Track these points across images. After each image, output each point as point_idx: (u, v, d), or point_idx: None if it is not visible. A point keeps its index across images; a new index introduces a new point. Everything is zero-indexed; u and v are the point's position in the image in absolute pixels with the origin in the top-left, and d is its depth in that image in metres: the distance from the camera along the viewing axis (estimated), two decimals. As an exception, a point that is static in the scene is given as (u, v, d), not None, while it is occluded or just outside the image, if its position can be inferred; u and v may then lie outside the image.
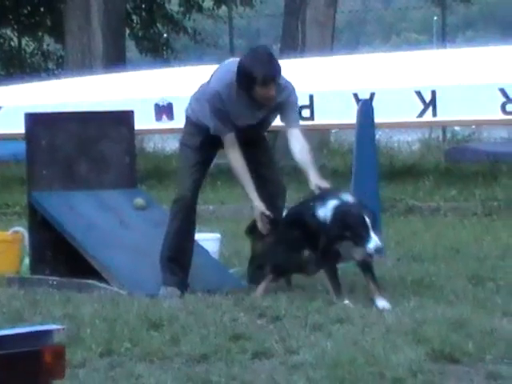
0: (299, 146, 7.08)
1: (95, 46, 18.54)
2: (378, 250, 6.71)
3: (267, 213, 6.98)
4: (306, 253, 6.91)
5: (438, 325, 5.90)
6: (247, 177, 7.09)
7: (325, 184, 6.97)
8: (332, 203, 6.80)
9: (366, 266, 6.83)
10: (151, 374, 5.17)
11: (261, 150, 7.36)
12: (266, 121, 7.30)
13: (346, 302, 6.65)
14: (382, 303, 6.61)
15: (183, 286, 7.13)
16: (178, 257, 7.22)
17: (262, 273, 7.19)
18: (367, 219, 6.67)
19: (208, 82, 7.27)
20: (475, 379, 5.01)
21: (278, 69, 7.02)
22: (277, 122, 7.42)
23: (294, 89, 7.18)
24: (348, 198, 6.88)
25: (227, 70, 7.17)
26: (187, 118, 7.39)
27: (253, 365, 5.34)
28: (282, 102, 7.09)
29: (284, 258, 7.02)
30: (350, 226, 6.70)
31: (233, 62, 7.24)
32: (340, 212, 6.75)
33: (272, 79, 6.95)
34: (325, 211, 6.80)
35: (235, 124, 7.10)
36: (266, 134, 7.62)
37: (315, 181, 6.95)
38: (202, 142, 7.23)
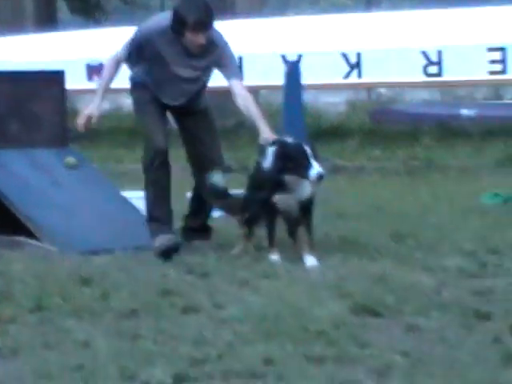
0: (244, 100, 7.00)
1: (26, 6, 18.32)
2: (321, 177, 6.64)
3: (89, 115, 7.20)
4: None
5: (360, 280, 5.96)
6: (103, 82, 7.23)
7: (273, 137, 6.88)
8: (272, 148, 6.73)
9: (305, 215, 6.76)
10: (81, 329, 5.15)
11: (201, 117, 7.27)
12: (203, 73, 7.16)
13: (274, 257, 6.67)
14: (310, 261, 6.63)
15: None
16: (165, 210, 7.13)
17: (195, 230, 7.22)
18: (307, 149, 6.63)
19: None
20: (395, 331, 5.06)
21: (210, 16, 6.95)
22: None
23: (227, 43, 7.07)
24: (287, 138, 6.83)
25: (164, 17, 7.11)
26: (133, 77, 7.28)
27: (181, 320, 5.34)
28: (217, 56, 7.01)
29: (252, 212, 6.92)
30: (291, 157, 6.62)
31: (165, 13, 7.21)
32: (280, 147, 6.69)
33: (203, 25, 6.88)
34: (268, 157, 6.73)
35: (172, 71, 7.01)
36: (206, 105, 7.41)
37: (265, 134, 6.88)
38: (152, 95, 7.16)
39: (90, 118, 7.24)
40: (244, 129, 12.48)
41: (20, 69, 9.62)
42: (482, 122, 13.84)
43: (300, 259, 6.64)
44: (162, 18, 7.15)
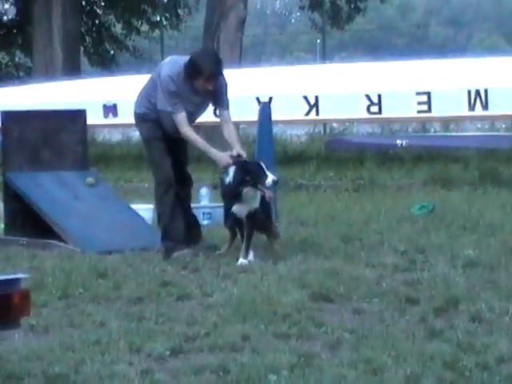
0: (228, 128, 6.90)
1: (56, 60, 18.31)
2: (275, 183, 6.62)
3: (234, 153, 6.74)
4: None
5: (317, 273, 5.95)
6: (204, 143, 6.85)
7: (243, 154, 6.78)
8: (232, 167, 6.65)
9: (249, 224, 6.60)
10: (98, 312, 5.14)
11: (183, 144, 7.10)
12: (201, 107, 6.99)
13: (243, 260, 6.50)
14: (242, 260, 6.47)
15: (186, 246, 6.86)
16: (178, 227, 6.90)
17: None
18: (261, 163, 6.60)
19: (150, 79, 6.96)
20: (345, 314, 5.06)
21: (221, 69, 6.82)
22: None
23: (226, 82, 6.92)
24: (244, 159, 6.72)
25: (174, 63, 6.88)
26: (144, 114, 6.94)
27: (177, 305, 5.33)
28: (216, 94, 6.87)
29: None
30: (249, 171, 6.56)
31: (175, 58, 6.97)
32: (239, 165, 6.61)
33: (215, 77, 6.78)
34: (229, 174, 6.64)
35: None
36: None
37: (239, 151, 6.78)
38: (163, 133, 6.91)
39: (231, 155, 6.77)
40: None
41: (51, 108, 9.57)
42: (412, 149, 13.87)
43: (268, 258, 6.59)
44: (174, 64, 6.87)
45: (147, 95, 6.97)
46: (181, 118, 6.79)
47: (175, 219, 6.92)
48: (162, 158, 6.93)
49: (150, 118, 6.93)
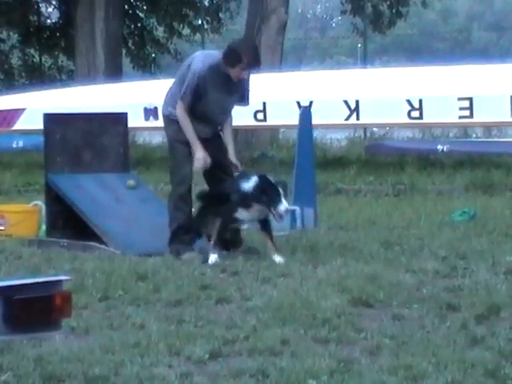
0: (228, 125, 6.96)
1: (98, 63, 18.44)
2: (286, 211, 6.76)
3: (208, 160, 6.83)
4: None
5: (357, 278, 5.92)
6: (193, 134, 6.80)
7: (236, 163, 6.87)
8: (255, 178, 6.74)
9: (265, 226, 6.82)
10: (138, 314, 5.15)
11: (218, 146, 7.02)
12: (232, 98, 6.95)
13: (279, 259, 6.62)
14: (277, 258, 6.61)
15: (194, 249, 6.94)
16: (190, 228, 6.97)
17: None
18: (280, 189, 6.68)
19: (177, 77, 6.96)
20: (384, 319, 5.02)
21: (259, 61, 6.85)
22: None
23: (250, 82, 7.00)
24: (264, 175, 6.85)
25: (206, 55, 6.92)
26: (170, 114, 6.95)
27: (216, 308, 5.33)
28: (243, 92, 6.93)
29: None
30: (268, 192, 6.67)
31: (206, 51, 7.03)
32: (263, 181, 6.71)
33: (252, 67, 6.80)
34: (248, 183, 6.72)
35: (210, 101, 6.79)
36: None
37: (231, 158, 6.88)
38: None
39: (206, 160, 6.89)
40: (267, 158, 12.47)
41: (93, 111, 9.63)
42: (454, 155, 13.77)
43: (308, 262, 6.59)
44: (206, 56, 6.91)
45: (174, 95, 6.95)
46: (183, 105, 6.78)
47: (188, 225, 6.93)
48: (182, 161, 6.91)
49: (177, 119, 6.90)
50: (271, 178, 6.87)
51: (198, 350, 4.37)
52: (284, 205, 6.68)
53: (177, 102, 6.88)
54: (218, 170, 7.00)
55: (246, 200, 6.73)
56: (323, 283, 5.82)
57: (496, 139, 16.35)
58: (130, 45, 23.77)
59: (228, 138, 6.98)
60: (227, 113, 7.03)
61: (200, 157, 6.84)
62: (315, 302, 5.25)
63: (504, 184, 11.32)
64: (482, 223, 8.39)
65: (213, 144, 6.97)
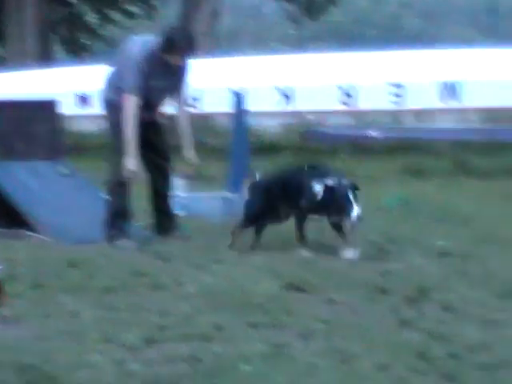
0: (185, 118, 6.91)
1: (30, 50, 18.23)
2: (360, 218, 6.35)
3: (140, 176, 6.73)
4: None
5: (290, 264, 5.96)
6: (132, 136, 6.66)
7: (195, 160, 6.83)
8: (326, 180, 6.44)
9: (338, 227, 6.49)
10: (71, 302, 5.12)
11: (157, 130, 7.04)
12: (172, 86, 6.90)
13: (304, 252, 6.42)
14: (349, 254, 6.35)
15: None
16: (126, 215, 6.96)
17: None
18: (351, 195, 6.36)
19: (116, 62, 6.91)
20: (317, 304, 5.08)
21: (194, 49, 6.85)
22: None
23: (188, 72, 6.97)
24: (337, 175, 6.52)
25: (144, 41, 6.85)
26: (112, 102, 6.84)
27: (150, 295, 5.32)
28: (182, 78, 6.90)
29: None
30: (337, 196, 6.36)
31: (141, 38, 6.94)
32: (335, 190, 6.38)
33: (187, 54, 6.78)
34: (318, 184, 6.45)
35: (150, 88, 6.73)
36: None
37: (188, 154, 6.85)
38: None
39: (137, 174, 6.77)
40: (201, 145, 12.44)
41: (25, 98, 9.49)
42: (386, 141, 13.92)
43: (241, 248, 6.60)
44: (144, 42, 6.84)
45: (114, 82, 6.89)
46: (133, 99, 6.66)
47: (124, 212, 6.89)
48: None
49: (119, 105, 6.79)
50: (341, 181, 6.42)
51: (132, 336, 4.36)
52: (356, 210, 6.25)
53: (119, 88, 6.78)
54: (154, 154, 6.98)
55: (316, 206, 6.40)
56: (256, 269, 5.83)
57: (427, 125, 16.57)
58: (61, 31, 23.47)
59: (185, 133, 6.89)
60: (166, 97, 6.98)
61: (131, 168, 6.71)
62: (248, 288, 5.26)
63: (435, 169, 11.48)
64: (413, 208, 8.49)
65: (150, 126, 6.93)
